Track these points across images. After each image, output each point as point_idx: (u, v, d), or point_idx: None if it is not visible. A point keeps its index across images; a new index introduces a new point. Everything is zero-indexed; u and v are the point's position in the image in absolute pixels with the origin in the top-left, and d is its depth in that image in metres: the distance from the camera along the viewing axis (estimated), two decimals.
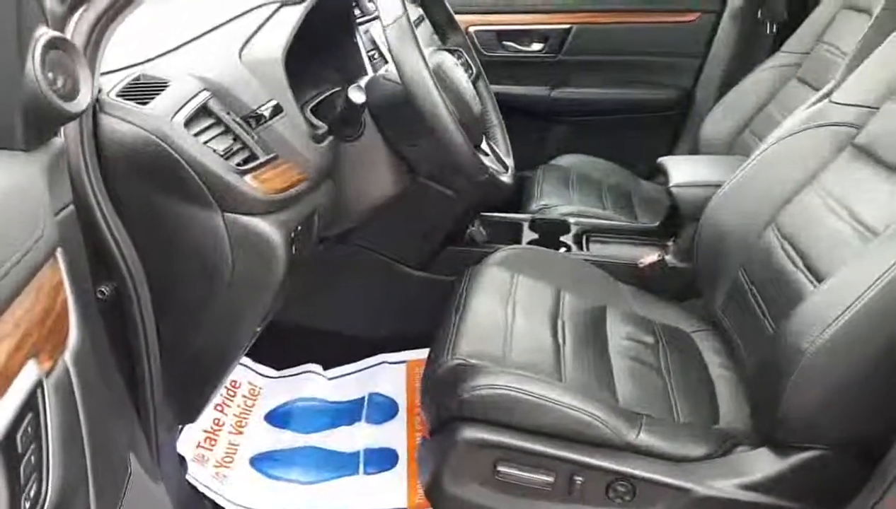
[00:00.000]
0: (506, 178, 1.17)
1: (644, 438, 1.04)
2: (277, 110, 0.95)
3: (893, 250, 0.88)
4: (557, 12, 2.25)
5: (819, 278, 1.04)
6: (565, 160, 2.22)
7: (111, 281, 0.76)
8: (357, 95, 1.06)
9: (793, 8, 2.09)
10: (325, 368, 1.71)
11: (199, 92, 0.89)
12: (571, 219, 1.74)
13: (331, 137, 1.08)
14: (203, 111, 0.88)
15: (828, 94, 1.60)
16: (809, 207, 1.19)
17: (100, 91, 0.78)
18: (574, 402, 1.05)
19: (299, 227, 0.96)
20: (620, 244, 1.70)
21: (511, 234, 1.72)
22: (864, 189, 1.08)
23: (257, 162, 0.91)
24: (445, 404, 1.10)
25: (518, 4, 2.29)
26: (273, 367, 1.73)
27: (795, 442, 0.98)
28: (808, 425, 0.96)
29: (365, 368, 1.71)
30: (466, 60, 1.31)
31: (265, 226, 0.89)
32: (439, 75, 1.09)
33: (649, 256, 1.52)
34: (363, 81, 1.16)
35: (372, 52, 1.42)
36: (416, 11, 1.42)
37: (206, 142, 0.86)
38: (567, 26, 2.25)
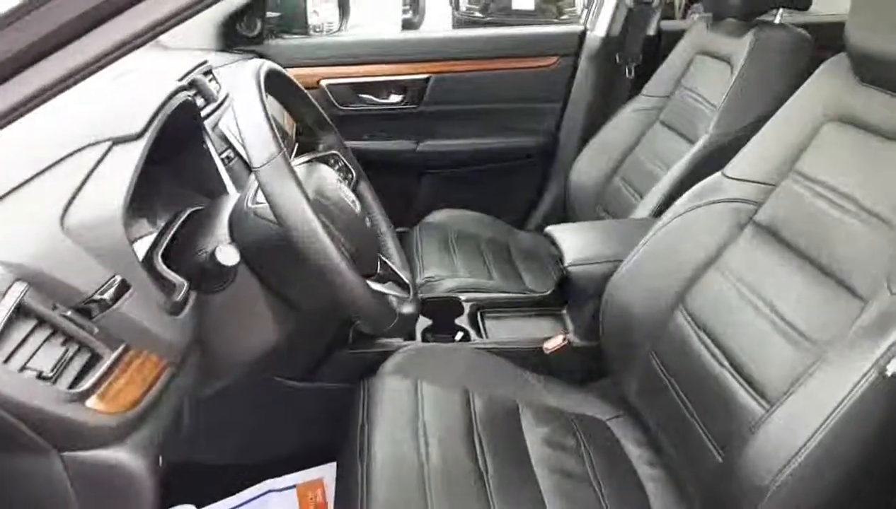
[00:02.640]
0: (411, 308, 1.02)
1: None
2: (123, 288, 0.73)
3: (847, 368, 0.83)
4: (414, 62, 2.13)
5: (751, 383, 0.99)
6: (439, 216, 2.11)
7: None
8: (227, 256, 0.87)
9: (648, 51, 2.11)
10: (200, 507, 1.46)
11: (10, 285, 0.66)
12: (462, 297, 1.62)
13: (194, 295, 0.88)
14: (18, 313, 0.65)
15: (699, 143, 1.64)
16: (720, 292, 1.14)
17: None
18: None
19: (166, 438, 0.75)
20: (516, 318, 1.61)
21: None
22: (780, 281, 1.04)
23: (101, 369, 0.69)
24: None
25: (371, 55, 2.14)
26: None
27: None
28: None
29: (248, 501, 1.49)
30: (344, 164, 1.14)
31: (120, 457, 0.68)
32: (322, 205, 0.91)
33: (554, 340, 1.43)
34: (227, 237, 0.94)
35: (226, 153, 1.21)
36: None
37: (26, 363, 0.63)
38: (425, 76, 2.13)
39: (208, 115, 1.28)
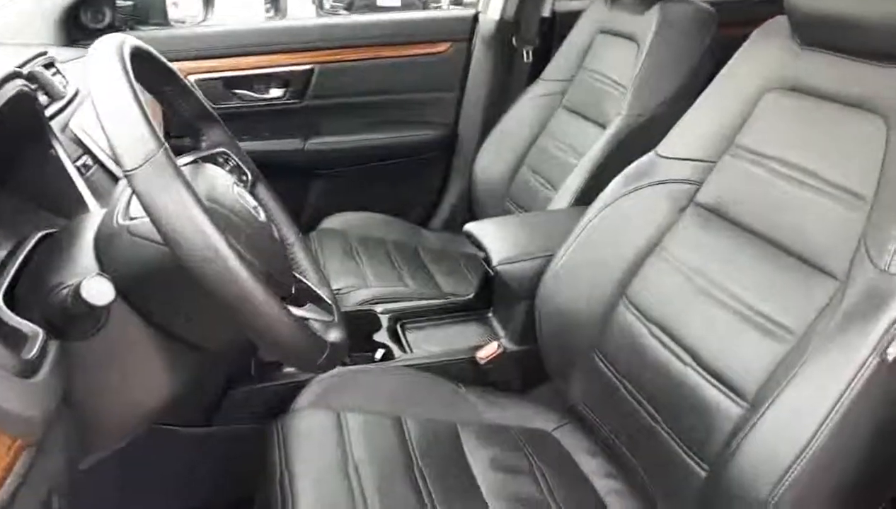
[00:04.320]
0: (339, 333, 0.84)
1: None
2: None
3: (843, 357, 0.74)
4: (295, 52, 1.92)
5: (723, 381, 0.90)
6: (337, 221, 1.92)
7: None
8: (97, 291, 0.65)
9: (546, 33, 2.03)
10: None
11: None
12: (378, 309, 1.45)
13: (55, 345, 0.65)
14: None
15: (613, 126, 1.57)
16: (668, 282, 1.05)
17: None
18: None
19: None
20: (440, 327, 1.46)
21: None
22: (738, 266, 0.96)
23: None
24: None
25: (246, 45, 1.91)
26: None
27: None
28: None
29: None
30: (237, 164, 0.94)
31: None
32: (218, 214, 0.72)
33: (487, 348, 1.30)
34: (94, 271, 0.70)
35: (82, 160, 0.97)
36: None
37: None
38: (308, 67, 1.93)
39: (55, 115, 1.03)
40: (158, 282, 0.72)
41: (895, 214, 0.77)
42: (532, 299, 1.23)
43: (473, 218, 1.71)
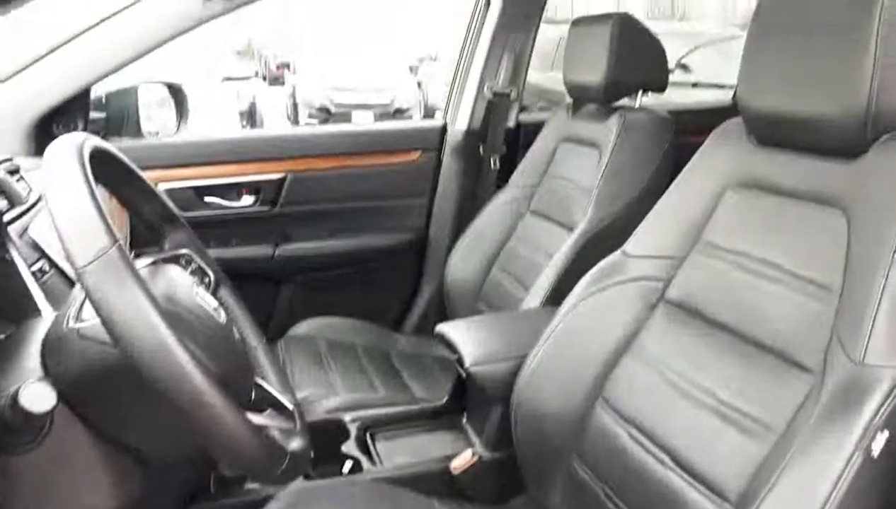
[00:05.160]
0: (301, 442, 0.79)
1: None
2: None
3: (826, 455, 0.71)
4: (267, 160, 1.95)
5: (706, 484, 0.86)
6: (307, 327, 1.88)
7: None
8: (37, 397, 0.61)
9: (511, 142, 2.09)
10: None
11: None
12: (346, 417, 1.40)
13: None
14: None
15: (580, 227, 1.59)
16: (644, 381, 1.03)
17: None
18: None
19: None
20: (411, 436, 1.40)
21: None
22: (712, 363, 0.95)
23: None
24: None
25: (218, 154, 1.93)
26: None
27: None
28: None
29: None
30: (199, 266, 0.92)
31: None
32: (175, 315, 0.69)
33: (461, 457, 1.24)
34: (37, 376, 0.67)
35: (38, 265, 0.94)
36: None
37: None
38: (280, 175, 1.96)
39: (13, 220, 1.01)
40: (108, 388, 0.67)
41: (865, 305, 0.76)
42: (507, 402, 1.20)
43: (445, 320, 1.69)
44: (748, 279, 0.96)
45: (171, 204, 0.95)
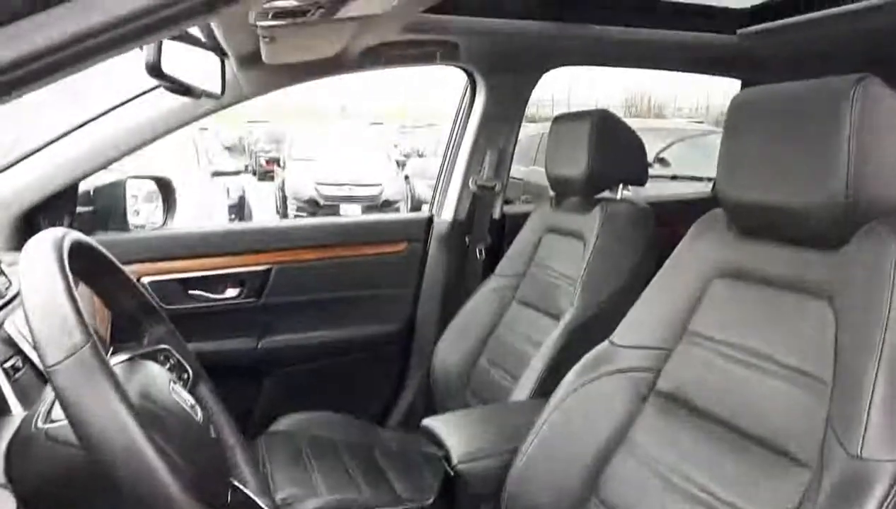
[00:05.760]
0: None
1: None
2: None
3: None
4: (252, 252, 1.95)
5: None
6: (287, 423, 1.81)
7: None
8: None
9: (497, 233, 2.12)
10: None
11: None
12: None
13: None
14: None
15: (566, 317, 1.58)
16: (639, 477, 1.00)
17: None
18: None
19: None
20: None
21: None
22: (706, 457, 0.92)
23: None
24: None
25: (204, 247, 1.93)
26: None
27: None
28: None
29: None
30: (178, 361, 0.90)
31: None
32: (149, 413, 0.66)
33: None
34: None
35: (12, 362, 0.91)
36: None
37: None
38: (266, 267, 1.95)
39: None
40: (74, 494, 0.64)
41: (858, 398, 0.75)
42: (496, 501, 1.15)
43: (432, 413, 1.64)
44: (739, 370, 0.94)
45: (151, 297, 0.93)
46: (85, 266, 0.77)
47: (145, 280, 1.84)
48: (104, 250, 0.84)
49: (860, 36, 1.69)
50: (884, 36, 1.66)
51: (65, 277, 0.62)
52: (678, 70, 2.25)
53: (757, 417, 0.89)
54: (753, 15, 1.91)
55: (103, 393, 0.56)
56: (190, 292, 1.90)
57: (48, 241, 0.66)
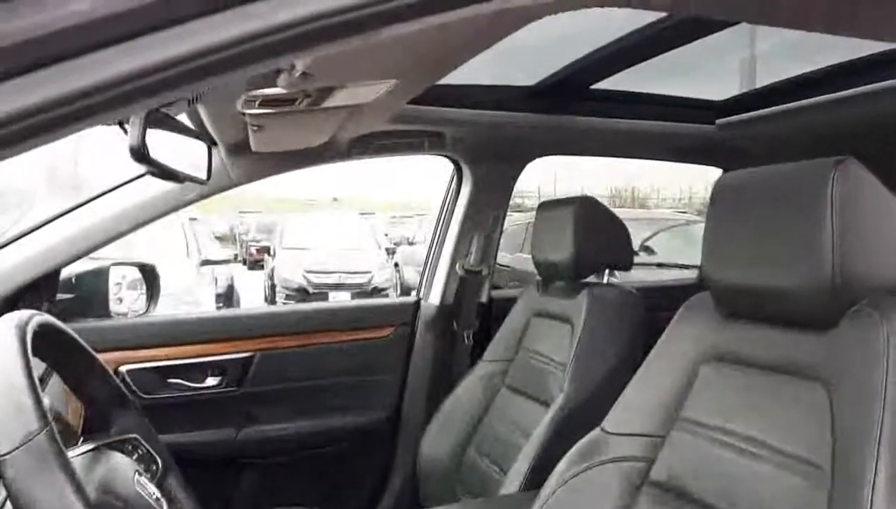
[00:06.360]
0: None
1: None
2: None
3: None
4: (234, 340, 1.91)
5: None
6: None
7: None
8: None
9: (484, 317, 2.10)
10: None
11: None
12: None
13: None
14: None
15: (556, 404, 1.54)
16: None
17: None
18: None
19: None
20: None
21: None
22: None
23: None
24: None
25: (184, 334, 1.89)
26: None
27: None
28: None
29: None
30: (147, 451, 0.85)
31: None
32: (110, 505, 0.62)
33: None
34: None
35: None
36: None
37: None
38: (248, 354, 1.91)
39: None
40: None
41: (860, 485, 0.72)
42: None
43: (419, 506, 1.57)
44: (734, 457, 0.91)
45: (123, 386, 0.90)
46: (52, 350, 0.75)
47: (124, 368, 1.79)
48: (74, 334, 0.81)
49: (836, 125, 1.74)
50: (859, 125, 1.72)
51: (24, 360, 0.59)
52: (659, 159, 2.30)
53: (755, 506, 0.85)
54: (731, 106, 1.98)
55: (57, 485, 0.52)
56: (169, 381, 1.85)
57: (11, 323, 0.64)
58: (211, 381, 1.89)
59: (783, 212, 0.90)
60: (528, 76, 1.84)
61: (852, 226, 0.82)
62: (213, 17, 0.40)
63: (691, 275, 2.89)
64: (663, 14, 1.35)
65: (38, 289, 1.69)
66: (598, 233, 1.65)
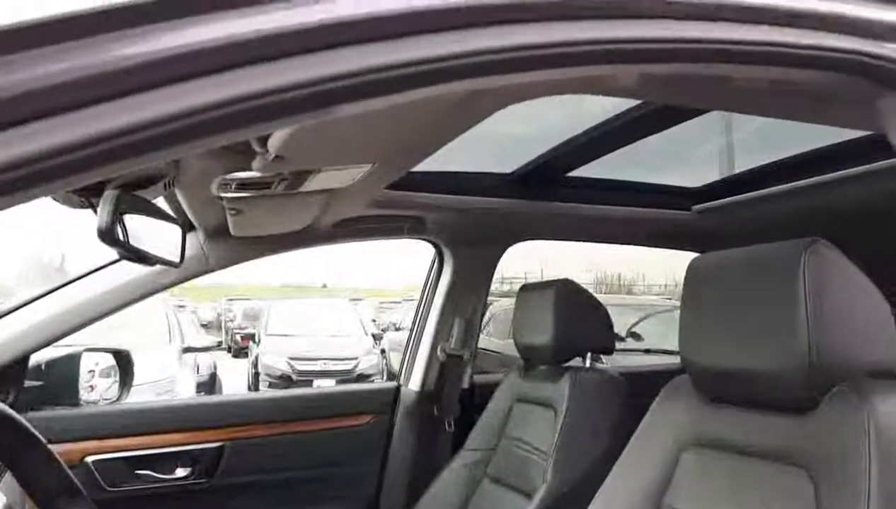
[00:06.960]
0: None
1: None
2: None
3: None
4: (205, 429, 1.84)
5: None
6: None
7: None
8: None
9: (466, 403, 2.05)
10: None
11: None
12: None
13: None
14: None
15: (538, 495, 1.48)
16: None
17: None
18: None
19: None
20: None
21: None
22: None
23: None
24: None
25: (153, 423, 1.82)
26: None
27: None
28: None
29: None
30: None
31: None
32: None
33: None
34: None
35: None
36: None
37: None
38: (219, 444, 1.84)
39: None
40: None
41: None
42: None
43: None
44: None
45: (73, 478, 0.85)
46: (6, 445, 0.71)
47: (90, 459, 1.72)
48: (30, 427, 0.77)
49: (811, 210, 1.77)
50: (833, 211, 1.74)
51: None
52: (638, 244, 2.32)
53: None
54: (707, 192, 2.02)
55: None
56: (137, 472, 1.77)
57: None
58: (181, 472, 1.81)
59: (756, 293, 0.89)
60: (505, 164, 1.88)
61: (826, 306, 0.82)
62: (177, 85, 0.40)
63: (679, 360, 2.87)
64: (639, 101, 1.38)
65: (5, 377, 1.64)
66: (577, 316, 1.65)
